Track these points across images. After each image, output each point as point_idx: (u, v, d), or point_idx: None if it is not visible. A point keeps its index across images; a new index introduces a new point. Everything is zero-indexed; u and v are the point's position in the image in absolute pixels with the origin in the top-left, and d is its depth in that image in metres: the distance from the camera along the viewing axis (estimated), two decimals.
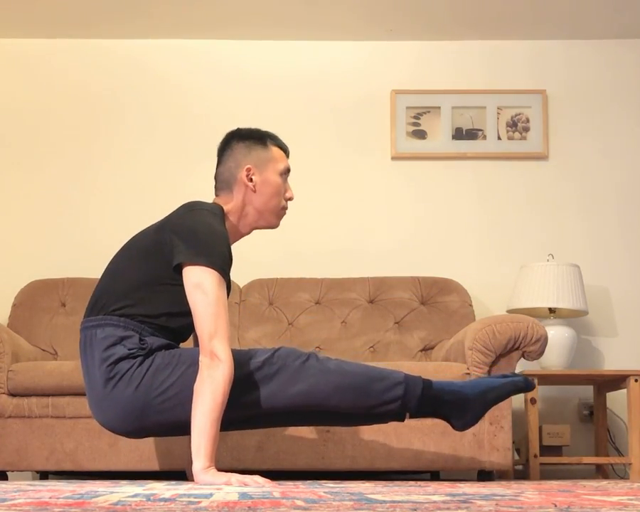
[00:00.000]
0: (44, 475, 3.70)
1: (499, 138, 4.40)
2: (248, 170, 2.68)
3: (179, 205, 2.68)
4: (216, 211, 2.63)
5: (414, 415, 2.61)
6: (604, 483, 2.77)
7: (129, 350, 2.50)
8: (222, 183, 2.72)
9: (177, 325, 2.59)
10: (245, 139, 2.73)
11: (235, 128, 2.79)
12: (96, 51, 4.43)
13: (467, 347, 3.31)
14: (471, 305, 4.01)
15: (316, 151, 4.40)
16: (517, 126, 4.41)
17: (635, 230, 4.36)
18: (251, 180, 2.68)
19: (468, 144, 4.40)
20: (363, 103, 4.43)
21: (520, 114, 4.42)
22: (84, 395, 3.26)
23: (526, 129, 4.41)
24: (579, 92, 4.45)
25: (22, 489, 1.84)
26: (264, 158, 2.71)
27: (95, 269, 3.87)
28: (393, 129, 4.39)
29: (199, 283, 2.45)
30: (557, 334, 3.93)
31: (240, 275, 4.10)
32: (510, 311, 4.00)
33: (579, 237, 4.35)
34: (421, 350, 3.91)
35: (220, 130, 4.43)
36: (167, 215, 2.67)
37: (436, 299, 4.01)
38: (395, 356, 3.88)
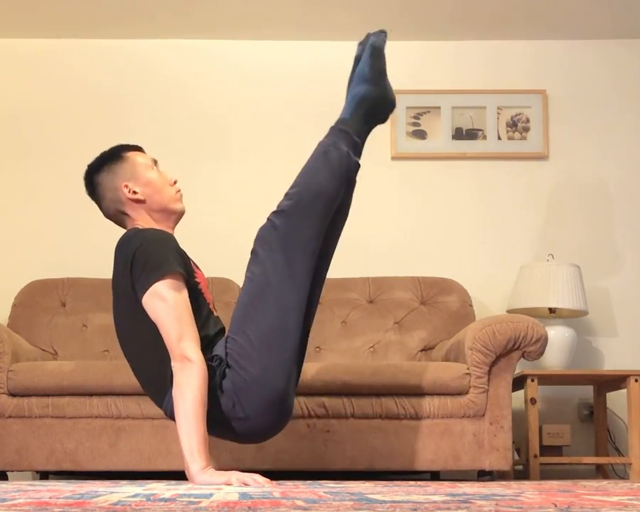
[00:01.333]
0: (44, 475, 3.70)
1: (499, 138, 4.40)
2: (125, 186, 2.67)
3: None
4: (136, 230, 2.61)
5: (359, 142, 2.72)
6: (604, 483, 2.77)
7: (218, 376, 2.48)
8: (117, 216, 2.72)
9: (205, 326, 2.58)
10: (102, 166, 2.72)
11: (85, 168, 2.75)
12: (97, 51, 4.43)
13: (467, 347, 3.31)
14: (471, 305, 4.01)
15: None
16: (517, 126, 4.41)
17: (635, 230, 4.36)
18: (135, 192, 2.67)
19: (468, 143, 4.40)
20: None
21: (520, 114, 4.42)
22: (84, 395, 3.27)
23: (526, 129, 4.41)
24: (579, 92, 4.45)
25: (22, 489, 1.84)
26: (129, 168, 2.70)
27: (95, 269, 3.90)
28: (393, 129, 4.39)
29: (155, 292, 2.45)
30: (557, 334, 3.93)
31: (240, 275, 4.09)
32: (510, 311, 4.00)
33: (579, 237, 4.35)
34: (421, 350, 3.91)
35: (222, 129, 4.47)
36: (113, 268, 2.63)
37: (436, 299, 4.01)
38: (395, 356, 3.88)
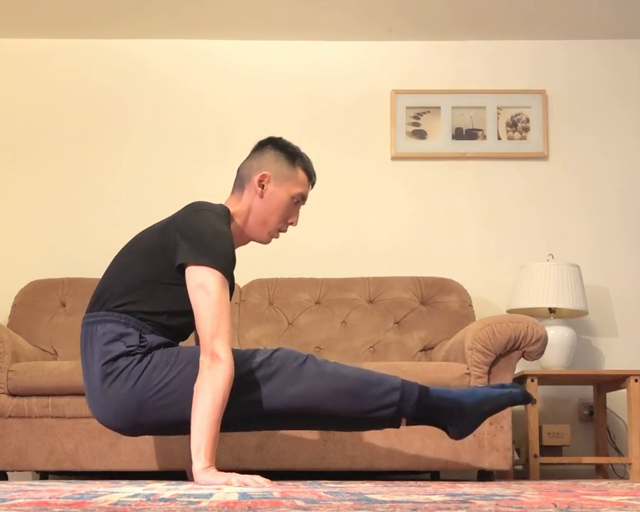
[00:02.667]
0: (44, 475, 3.70)
1: (499, 138, 4.40)
2: (263, 176, 2.68)
3: (184, 205, 2.68)
4: (221, 212, 2.63)
5: (410, 422, 2.60)
6: (604, 483, 2.77)
7: (128, 347, 2.50)
8: (239, 178, 2.75)
9: (178, 323, 2.60)
10: (278, 149, 2.74)
11: (278, 136, 2.79)
12: (97, 51, 4.43)
13: (467, 347, 3.31)
14: (471, 305, 4.01)
15: (316, 151, 4.37)
16: (517, 126, 4.41)
17: (635, 229, 4.36)
18: (262, 186, 2.68)
19: (468, 144, 4.40)
20: (363, 103, 4.43)
21: (520, 114, 4.42)
22: (84, 395, 3.27)
23: (526, 129, 4.41)
24: (579, 92, 4.45)
25: (22, 489, 1.84)
26: (285, 174, 2.70)
27: (95, 269, 3.88)
28: (393, 129, 4.39)
29: (202, 283, 2.46)
30: (557, 334, 3.93)
31: (240, 275, 4.08)
32: (510, 311, 4.00)
33: (579, 237, 4.35)
34: (421, 350, 3.90)
35: (222, 129, 4.47)
36: (172, 214, 2.67)
37: (436, 299, 4.01)
38: (395, 356, 3.88)
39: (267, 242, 2.76)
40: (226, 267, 2.50)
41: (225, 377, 2.38)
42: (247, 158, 2.77)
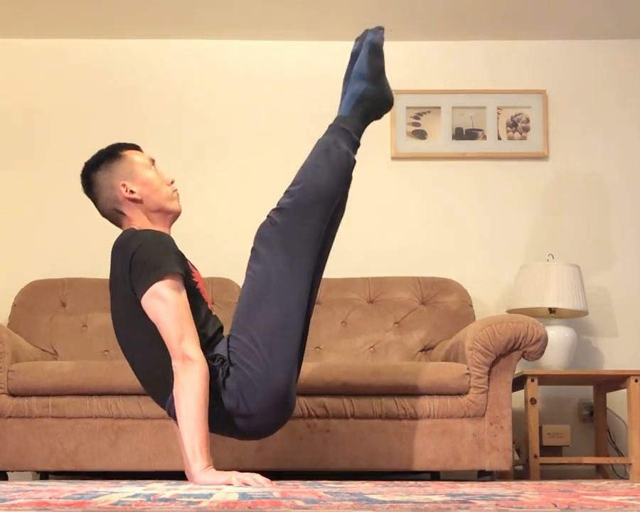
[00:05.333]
0: (44, 475, 3.70)
1: (499, 138, 4.40)
2: (123, 186, 2.66)
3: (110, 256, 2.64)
4: (133, 231, 2.61)
5: (358, 141, 2.76)
6: (604, 483, 2.77)
7: (220, 376, 2.48)
8: (113, 215, 2.71)
9: (204, 325, 2.58)
10: (99, 164, 2.71)
11: (83, 165, 2.74)
12: (97, 51, 4.43)
13: (467, 347, 3.30)
14: (471, 305, 4.01)
15: None
16: (517, 126, 4.41)
17: (635, 230, 4.36)
18: (132, 192, 2.66)
19: (468, 144, 4.40)
20: None
21: (520, 114, 4.42)
22: (84, 395, 3.27)
23: (526, 129, 4.41)
24: (579, 92, 4.45)
25: (22, 489, 1.84)
26: (126, 167, 2.69)
27: (95, 269, 3.89)
28: (393, 129, 4.39)
29: (154, 292, 2.44)
30: (557, 334, 3.93)
31: (240, 275, 4.08)
32: (510, 311, 4.00)
33: (579, 237, 4.35)
34: (421, 351, 3.90)
35: (222, 129, 4.47)
36: (109, 271, 2.63)
37: (436, 299, 4.01)
38: (395, 356, 3.88)
39: (178, 208, 2.73)
40: (170, 266, 2.48)
41: (201, 376, 2.39)
42: (96, 201, 2.74)
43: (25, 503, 1.31)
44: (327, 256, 2.74)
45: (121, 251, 2.56)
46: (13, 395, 3.29)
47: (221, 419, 2.53)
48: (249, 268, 2.61)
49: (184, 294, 2.49)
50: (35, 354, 3.69)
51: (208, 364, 2.46)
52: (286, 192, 2.63)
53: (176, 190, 2.75)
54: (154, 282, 2.45)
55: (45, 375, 3.28)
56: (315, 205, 2.60)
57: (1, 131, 4.39)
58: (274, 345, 2.50)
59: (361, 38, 2.77)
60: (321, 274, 2.71)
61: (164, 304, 2.44)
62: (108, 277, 2.65)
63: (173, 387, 2.47)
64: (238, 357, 2.50)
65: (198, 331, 2.50)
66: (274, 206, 2.63)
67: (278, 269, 2.55)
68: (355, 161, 2.73)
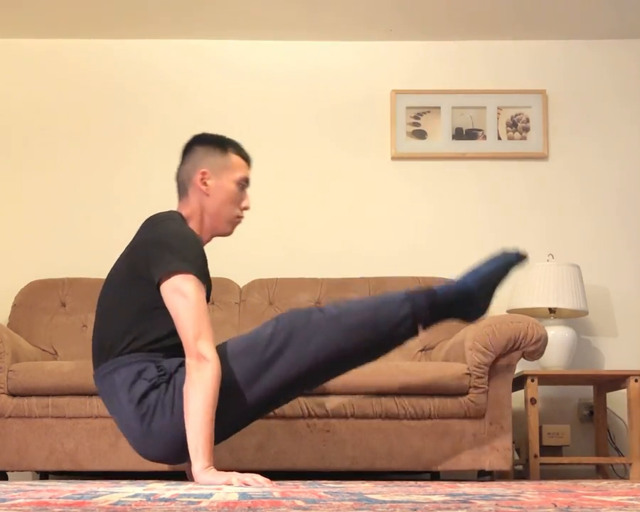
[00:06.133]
0: (44, 475, 3.70)
1: (499, 138, 4.40)
2: (203, 173, 2.67)
3: (140, 226, 2.67)
4: (177, 218, 2.63)
5: (426, 326, 2.62)
6: (604, 483, 2.77)
7: (150, 381, 2.50)
8: (181, 185, 2.73)
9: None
10: (206, 143, 2.73)
11: (201, 133, 2.78)
12: (97, 51, 4.43)
13: (467, 347, 3.30)
14: None
15: (316, 151, 4.41)
16: (517, 126, 4.41)
17: (635, 230, 4.36)
18: (205, 184, 2.67)
19: (468, 144, 4.40)
20: (363, 103, 4.44)
21: (520, 114, 4.42)
22: (84, 395, 3.27)
23: (526, 129, 4.41)
24: (579, 92, 4.45)
25: (22, 489, 1.84)
26: (221, 164, 2.70)
27: (95, 269, 3.89)
28: (393, 129, 4.39)
29: (177, 287, 2.45)
30: (557, 334, 3.93)
31: (240, 275, 4.10)
32: (510, 311, 4.00)
33: (579, 237, 4.35)
34: (421, 350, 3.90)
35: (221, 129, 4.44)
36: (132, 239, 2.66)
37: None
38: (395, 356, 3.87)
39: (230, 232, 2.75)
40: (198, 269, 2.50)
41: (213, 376, 2.39)
42: (180, 163, 2.75)
43: (25, 503, 1.31)
44: (311, 388, 2.82)
45: (160, 225, 2.57)
46: (13, 394, 3.29)
47: (124, 413, 2.52)
48: (263, 325, 2.58)
49: (204, 295, 2.50)
50: (35, 354, 3.69)
51: (151, 366, 2.48)
52: (337, 303, 2.61)
53: (241, 218, 2.74)
54: (179, 272, 2.46)
55: (45, 375, 3.28)
56: (348, 333, 2.54)
57: (1, 131, 4.39)
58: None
59: (507, 250, 2.74)
60: (297, 394, 2.76)
61: (185, 300, 2.44)
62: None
63: (112, 359, 2.52)
64: (179, 382, 2.48)
65: (173, 330, 2.50)
66: (322, 305, 2.68)
67: (273, 354, 2.51)
68: (413, 336, 2.65)
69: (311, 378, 2.61)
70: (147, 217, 2.68)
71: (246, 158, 2.76)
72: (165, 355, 2.54)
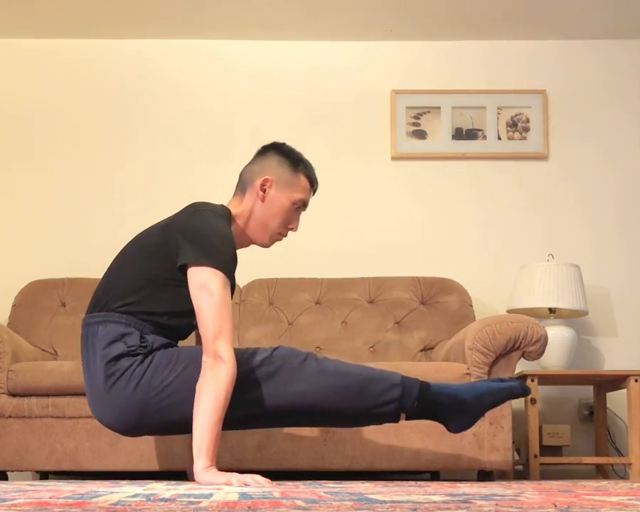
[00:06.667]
0: (44, 475, 3.70)
1: (499, 138, 4.40)
2: (266, 180, 2.70)
3: (185, 205, 2.69)
4: (222, 213, 2.65)
5: (409, 417, 2.62)
6: (604, 483, 2.77)
7: (130, 347, 2.51)
8: (242, 181, 2.77)
9: (178, 324, 2.61)
10: (282, 154, 2.76)
11: (282, 142, 2.81)
12: (97, 51, 4.43)
13: (467, 347, 3.31)
14: (471, 305, 4.01)
15: (316, 151, 4.38)
16: (517, 126, 4.41)
17: (635, 230, 4.36)
18: (264, 190, 2.70)
19: (468, 144, 4.40)
20: (363, 103, 4.43)
21: (520, 114, 4.42)
22: (84, 395, 3.25)
23: (526, 129, 4.41)
24: (579, 92, 4.45)
25: (22, 489, 1.84)
26: (287, 180, 2.72)
27: (95, 269, 3.88)
28: (393, 129, 4.39)
29: (204, 284, 2.47)
30: (557, 334, 3.93)
31: (240, 275, 4.06)
32: (510, 311, 4.00)
33: (579, 237, 4.35)
34: (421, 350, 3.90)
35: (222, 129, 4.47)
36: (173, 214, 2.68)
37: (436, 299, 4.01)
38: (395, 356, 3.88)
39: (267, 245, 2.79)
40: (227, 267, 2.51)
41: (228, 377, 2.39)
42: (250, 162, 2.79)
43: (25, 503, 1.31)
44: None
45: (202, 214, 2.58)
46: (13, 394, 3.29)
47: (94, 366, 2.53)
48: (261, 349, 2.58)
49: (229, 294, 2.51)
50: (35, 354, 3.69)
51: (136, 333, 2.50)
52: (316, 354, 2.60)
53: (283, 237, 2.77)
54: (209, 266, 2.47)
55: (45, 375, 3.28)
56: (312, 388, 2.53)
57: (1, 131, 4.39)
58: (176, 402, 2.49)
59: (513, 377, 2.74)
60: None
61: (210, 296, 2.45)
62: None
63: (105, 311, 2.55)
64: (157, 361, 2.50)
65: (172, 311, 2.54)
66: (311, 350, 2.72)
67: (247, 384, 2.50)
68: (393, 421, 2.63)
69: (275, 418, 2.60)
70: (182, 206, 2.70)
71: (312, 183, 2.78)
72: (153, 331, 2.55)
